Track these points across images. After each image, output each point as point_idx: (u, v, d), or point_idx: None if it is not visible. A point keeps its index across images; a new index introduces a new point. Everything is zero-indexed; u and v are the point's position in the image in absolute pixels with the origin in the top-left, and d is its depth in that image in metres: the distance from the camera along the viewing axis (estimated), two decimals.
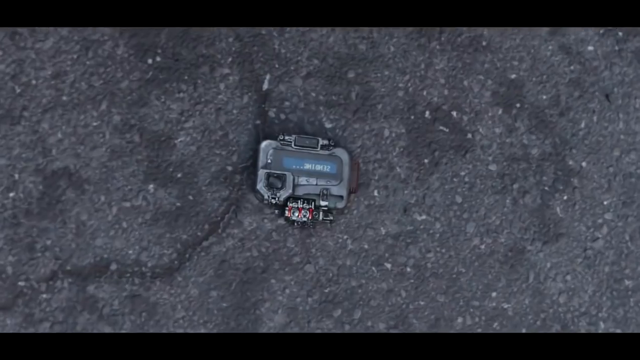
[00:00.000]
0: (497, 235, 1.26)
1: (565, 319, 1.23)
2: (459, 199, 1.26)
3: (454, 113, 1.27)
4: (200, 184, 1.23)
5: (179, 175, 1.22)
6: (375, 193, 1.26)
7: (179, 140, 1.23)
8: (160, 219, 1.22)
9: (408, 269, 1.25)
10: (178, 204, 1.23)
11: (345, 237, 1.26)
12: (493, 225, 1.26)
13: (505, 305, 1.25)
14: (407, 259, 1.25)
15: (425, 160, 1.26)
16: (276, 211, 1.23)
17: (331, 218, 1.22)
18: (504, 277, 1.25)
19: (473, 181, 1.26)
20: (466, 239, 1.26)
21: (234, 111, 1.24)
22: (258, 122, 1.24)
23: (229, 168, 1.24)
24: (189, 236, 1.22)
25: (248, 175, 1.24)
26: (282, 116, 1.25)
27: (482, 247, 1.25)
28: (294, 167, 1.20)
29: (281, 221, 1.24)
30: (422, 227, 1.25)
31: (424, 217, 1.26)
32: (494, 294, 1.25)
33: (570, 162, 1.26)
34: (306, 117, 1.24)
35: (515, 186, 1.26)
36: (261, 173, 1.20)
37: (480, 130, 1.27)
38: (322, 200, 1.20)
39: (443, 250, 1.26)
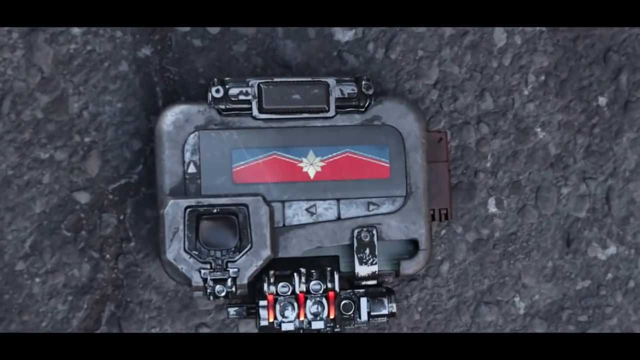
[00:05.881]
0: None
1: None
2: None
3: None
4: (9, 256, 0.69)
5: None
6: (493, 207, 0.73)
7: None
8: None
9: None
10: None
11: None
12: None
13: None
14: None
15: (601, 99, 0.73)
16: (232, 310, 0.67)
17: (391, 310, 0.61)
18: None
19: None
20: None
21: (77, 34, 0.69)
22: (146, 52, 0.70)
23: (82, 199, 0.68)
24: None
25: (138, 208, 0.69)
26: (213, 29, 0.70)
27: None
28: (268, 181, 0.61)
29: (250, 329, 0.69)
30: (610, 276, 0.74)
31: (612, 249, 0.74)
32: None
33: None
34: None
35: None
36: (173, 208, 0.60)
37: None
38: (362, 262, 0.62)
39: None
